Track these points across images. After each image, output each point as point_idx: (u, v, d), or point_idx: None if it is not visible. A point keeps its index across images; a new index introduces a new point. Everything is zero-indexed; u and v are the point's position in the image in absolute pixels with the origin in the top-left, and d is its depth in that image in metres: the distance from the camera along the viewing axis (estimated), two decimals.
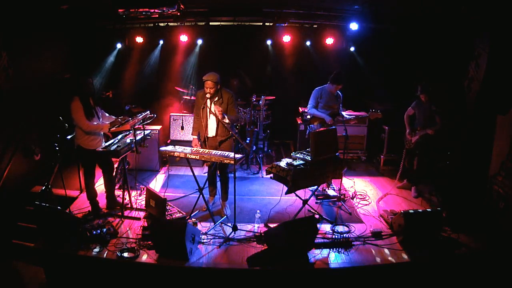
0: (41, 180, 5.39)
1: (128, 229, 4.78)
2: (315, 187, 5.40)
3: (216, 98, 5.05)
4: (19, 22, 5.44)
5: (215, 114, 4.98)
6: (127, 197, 5.31)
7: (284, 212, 5.36)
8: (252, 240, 4.59)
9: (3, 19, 5.08)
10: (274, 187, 5.91)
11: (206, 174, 5.49)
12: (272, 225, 4.84)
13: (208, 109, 5.06)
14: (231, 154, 4.68)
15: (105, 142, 5.11)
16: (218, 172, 5.37)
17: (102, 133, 5.10)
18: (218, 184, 5.54)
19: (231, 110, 5.08)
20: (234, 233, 4.69)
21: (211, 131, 5.18)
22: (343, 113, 6.12)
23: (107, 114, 5.28)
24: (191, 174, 5.10)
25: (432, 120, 5.80)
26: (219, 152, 4.92)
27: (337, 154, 5.18)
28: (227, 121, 4.95)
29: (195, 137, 5.37)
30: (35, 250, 4.30)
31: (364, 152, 7.75)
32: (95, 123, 4.93)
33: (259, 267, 4.06)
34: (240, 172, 6.89)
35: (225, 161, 4.69)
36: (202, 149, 5.06)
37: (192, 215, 5.08)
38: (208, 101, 5.05)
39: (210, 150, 5.00)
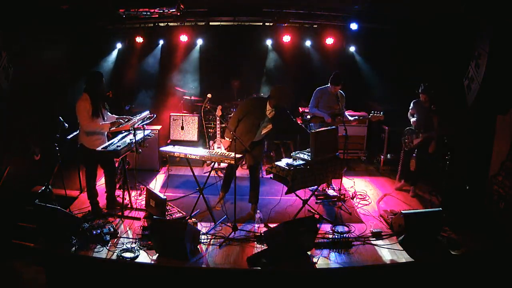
0: (41, 180, 5.39)
1: (128, 229, 4.78)
2: (315, 187, 5.40)
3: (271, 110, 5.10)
4: (20, 22, 5.45)
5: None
6: (127, 197, 5.31)
7: (284, 212, 5.35)
8: (252, 240, 4.59)
9: (3, 18, 5.08)
10: (274, 187, 5.91)
11: (207, 174, 5.48)
12: (272, 225, 4.84)
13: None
14: (231, 154, 4.69)
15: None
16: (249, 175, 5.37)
17: (105, 133, 5.10)
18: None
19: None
20: (234, 233, 4.69)
21: (258, 137, 5.20)
22: (346, 113, 6.12)
23: (110, 114, 5.28)
24: (191, 174, 5.10)
25: (430, 120, 5.78)
26: (219, 152, 4.94)
27: (337, 154, 5.18)
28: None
29: (228, 139, 5.19)
30: (35, 250, 4.30)
31: (364, 152, 7.75)
32: (98, 123, 4.92)
33: (259, 267, 4.06)
34: (240, 172, 6.89)
35: (226, 161, 4.69)
36: (202, 149, 5.07)
37: (192, 215, 5.08)
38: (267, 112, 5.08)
39: (210, 150, 5.00)
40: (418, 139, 5.85)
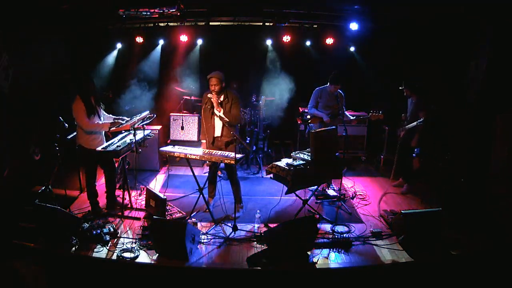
0: (41, 180, 5.39)
1: (128, 229, 4.78)
2: (315, 187, 5.40)
3: (222, 98, 5.06)
4: (20, 22, 5.44)
5: (217, 116, 5.05)
6: (127, 197, 5.31)
7: (284, 212, 5.36)
8: (252, 240, 4.60)
9: (3, 19, 5.08)
10: (274, 187, 5.91)
11: (207, 174, 5.49)
12: (272, 225, 4.84)
13: (212, 110, 5.07)
14: (231, 154, 4.69)
15: (105, 142, 5.12)
16: (224, 175, 5.40)
17: (103, 132, 5.10)
18: (218, 184, 5.56)
19: (234, 109, 5.11)
20: (234, 233, 4.69)
21: (218, 131, 5.20)
22: (346, 113, 6.12)
23: (106, 114, 5.28)
24: (191, 174, 5.10)
25: (416, 114, 5.89)
26: (219, 152, 4.93)
27: (337, 154, 5.18)
28: (223, 117, 5.05)
29: (204, 141, 5.31)
30: (35, 250, 4.30)
31: (364, 152, 7.75)
32: (96, 122, 4.94)
33: (259, 267, 4.06)
34: (240, 172, 6.88)
35: (225, 161, 4.69)
36: (202, 149, 5.08)
37: (192, 215, 5.08)
38: (213, 101, 5.05)
39: (210, 150, 5.01)
40: (402, 132, 6.04)
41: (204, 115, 5.23)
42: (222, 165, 5.53)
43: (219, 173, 6.24)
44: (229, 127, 5.07)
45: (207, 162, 5.05)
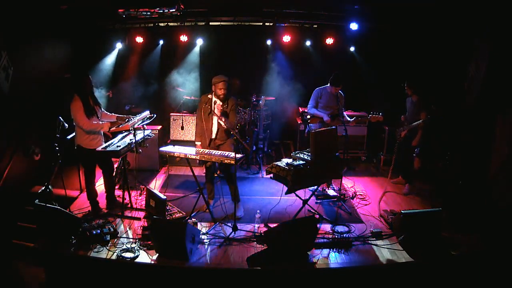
0: (41, 180, 5.39)
1: (128, 229, 4.78)
2: (315, 187, 5.40)
3: (223, 102, 5.06)
4: (20, 22, 5.44)
5: (219, 117, 5.03)
6: (127, 197, 5.31)
7: (284, 212, 5.36)
8: (252, 240, 4.60)
9: (3, 19, 5.08)
10: (274, 187, 5.91)
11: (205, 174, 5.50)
12: (272, 225, 4.84)
13: (213, 112, 5.06)
14: (232, 154, 4.69)
15: (105, 142, 5.12)
16: (222, 174, 5.40)
17: (102, 132, 5.10)
18: (217, 184, 5.56)
19: (232, 115, 5.11)
20: (234, 233, 4.69)
21: (214, 133, 5.22)
22: (344, 113, 6.12)
23: (108, 113, 5.28)
24: (191, 174, 5.10)
25: (417, 114, 5.89)
26: (219, 152, 4.94)
27: (337, 154, 5.18)
28: (222, 124, 5.07)
29: (199, 143, 5.31)
30: (35, 250, 4.30)
31: (364, 152, 7.75)
32: (95, 122, 4.94)
33: (259, 267, 4.06)
34: (240, 172, 6.89)
35: (226, 161, 4.70)
36: (202, 149, 5.08)
37: (192, 215, 5.08)
38: (213, 104, 5.05)
39: (210, 150, 5.01)
40: (404, 131, 6.01)
41: (204, 116, 5.17)
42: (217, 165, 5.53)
43: (218, 172, 6.25)
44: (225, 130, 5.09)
45: (207, 162, 5.04)
